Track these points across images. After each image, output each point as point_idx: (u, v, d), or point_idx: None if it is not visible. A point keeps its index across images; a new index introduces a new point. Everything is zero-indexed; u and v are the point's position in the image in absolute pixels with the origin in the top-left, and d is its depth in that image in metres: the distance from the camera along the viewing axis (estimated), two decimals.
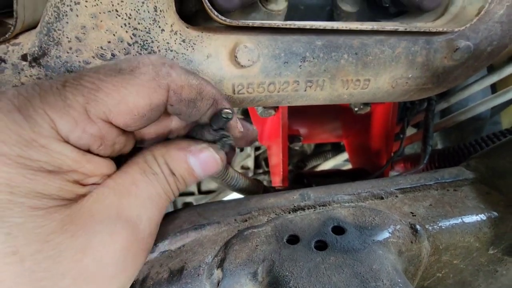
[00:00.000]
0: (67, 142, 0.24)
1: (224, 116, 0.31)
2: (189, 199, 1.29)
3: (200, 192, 1.24)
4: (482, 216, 0.36)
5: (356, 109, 0.69)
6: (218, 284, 0.32)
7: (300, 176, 0.77)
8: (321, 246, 0.33)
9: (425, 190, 0.42)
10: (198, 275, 0.33)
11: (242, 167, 1.21)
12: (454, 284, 0.38)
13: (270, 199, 0.43)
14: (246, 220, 0.40)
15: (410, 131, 0.88)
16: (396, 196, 0.41)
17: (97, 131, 0.25)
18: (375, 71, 0.44)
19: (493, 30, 0.43)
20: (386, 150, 0.71)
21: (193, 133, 0.35)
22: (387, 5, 0.49)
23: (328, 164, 1.13)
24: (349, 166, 1.13)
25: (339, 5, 0.50)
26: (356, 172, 0.79)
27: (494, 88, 0.95)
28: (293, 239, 0.34)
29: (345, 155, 1.10)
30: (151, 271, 0.35)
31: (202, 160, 0.31)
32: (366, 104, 0.70)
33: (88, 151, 0.26)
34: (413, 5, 0.44)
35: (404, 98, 0.50)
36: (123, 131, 0.28)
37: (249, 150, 1.15)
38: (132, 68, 0.26)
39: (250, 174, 1.22)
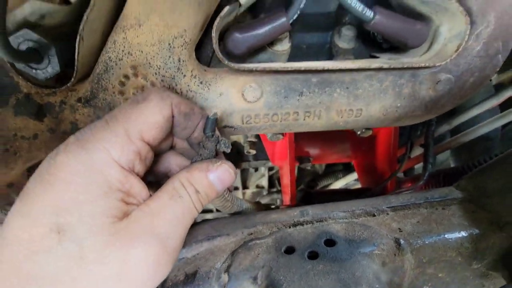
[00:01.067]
0: (118, 164, 0.32)
1: (211, 117, 0.40)
2: (208, 215, 1.38)
3: (218, 210, 1.31)
4: (463, 233, 0.39)
5: (358, 132, 0.74)
6: (225, 286, 0.38)
7: (308, 195, 0.82)
8: (313, 256, 0.38)
9: (414, 208, 0.45)
10: (208, 278, 0.39)
11: (257, 186, 1.28)
12: None
13: (274, 215, 0.48)
14: (251, 233, 0.46)
15: (418, 151, 0.91)
16: (387, 214, 0.45)
17: (137, 149, 0.34)
18: (366, 102, 0.50)
19: (473, 63, 0.48)
20: (390, 170, 0.74)
21: (195, 159, 0.41)
22: (381, 41, 0.56)
23: (338, 184, 1.16)
24: (359, 186, 1.15)
25: (337, 43, 0.57)
26: (361, 191, 0.82)
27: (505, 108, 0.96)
28: (290, 250, 0.40)
29: (355, 175, 1.13)
30: (170, 274, 0.42)
31: (219, 175, 0.39)
32: (367, 128, 0.75)
33: (132, 170, 0.34)
34: (401, 44, 0.51)
35: (396, 124, 0.55)
36: (150, 148, 0.36)
37: (263, 170, 1.21)
38: (145, 98, 0.36)
39: (265, 192, 1.28)
